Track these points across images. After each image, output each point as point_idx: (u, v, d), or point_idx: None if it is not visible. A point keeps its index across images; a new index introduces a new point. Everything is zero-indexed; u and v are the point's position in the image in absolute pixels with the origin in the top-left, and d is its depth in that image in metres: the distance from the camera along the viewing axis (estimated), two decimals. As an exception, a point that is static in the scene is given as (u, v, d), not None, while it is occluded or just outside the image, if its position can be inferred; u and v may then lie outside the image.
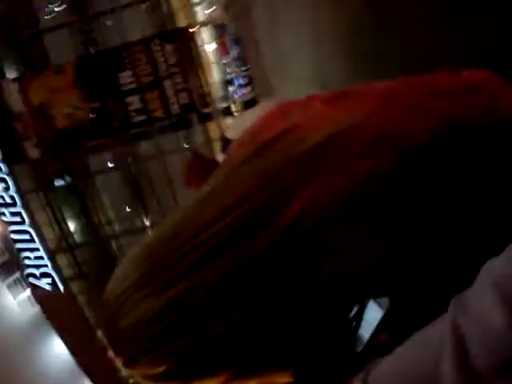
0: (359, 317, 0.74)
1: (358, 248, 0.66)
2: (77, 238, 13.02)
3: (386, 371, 0.57)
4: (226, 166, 0.79)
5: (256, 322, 0.66)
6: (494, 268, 0.53)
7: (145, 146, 12.22)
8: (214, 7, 11.61)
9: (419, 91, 0.79)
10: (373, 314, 0.79)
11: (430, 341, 0.53)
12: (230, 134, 3.36)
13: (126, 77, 10.07)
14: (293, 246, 0.66)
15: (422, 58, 1.88)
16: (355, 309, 0.74)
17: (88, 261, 13.01)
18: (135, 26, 11.24)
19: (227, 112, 11.17)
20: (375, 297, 0.76)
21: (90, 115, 10.26)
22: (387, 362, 0.58)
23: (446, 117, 0.72)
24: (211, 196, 0.74)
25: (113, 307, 0.69)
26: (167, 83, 10.05)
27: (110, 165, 12.87)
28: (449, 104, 0.75)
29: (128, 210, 13.24)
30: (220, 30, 12.02)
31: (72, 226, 12.91)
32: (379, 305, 0.79)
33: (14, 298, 15.08)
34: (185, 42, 10.02)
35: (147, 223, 12.73)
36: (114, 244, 13.01)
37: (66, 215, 12.66)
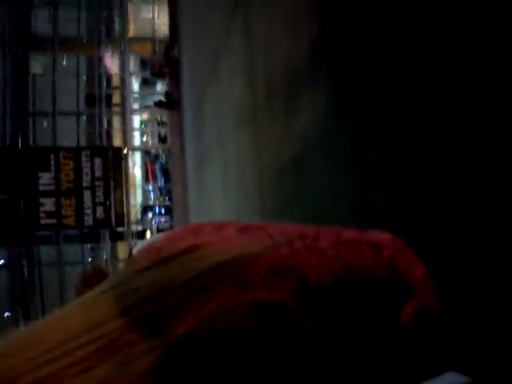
0: None
1: (240, 380, 0.66)
2: None
3: None
4: (119, 275, 0.78)
5: None
6: None
7: (45, 251, 11.66)
8: (149, 137, 12.07)
9: (327, 237, 0.83)
10: None
11: None
12: (136, 251, 3.33)
13: (46, 178, 9.99)
14: (177, 364, 0.64)
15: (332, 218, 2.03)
16: None
17: None
18: (70, 133, 11.39)
19: (141, 235, 11.11)
20: None
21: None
22: None
23: (348, 262, 0.77)
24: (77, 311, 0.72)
25: None
26: (87, 194, 9.99)
27: (2, 261, 12.05)
28: (352, 252, 0.80)
29: (7, 314, 12.15)
30: (151, 158, 12.37)
31: None
32: None
33: None
34: (115, 161, 10.19)
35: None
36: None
37: None
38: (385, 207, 1.72)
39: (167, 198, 11.40)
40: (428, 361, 0.81)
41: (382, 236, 0.89)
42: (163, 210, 11.73)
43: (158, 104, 9.71)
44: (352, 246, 0.82)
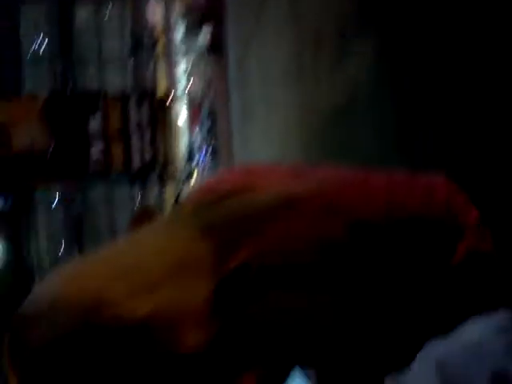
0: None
1: (294, 312, 0.68)
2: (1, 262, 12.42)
3: None
4: (174, 212, 0.80)
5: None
6: (436, 349, 0.56)
7: (96, 193, 12.00)
8: (194, 82, 11.98)
9: (379, 179, 0.83)
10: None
11: None
12: (187, 192, 3.32)
13: (95, 123, 10.19)
14: (235, 292, 0.66)
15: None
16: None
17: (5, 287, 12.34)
18: (116, 80, 11.53)
19: (187, 178, 11.35)
20: (304, 363, 0.77)
21: (49, 150, 10.20)
22: None
23: (401, 203, 0.77)
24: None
25: (21, 326, 0.67)
26: (134, 137, 10.18)
27: (57, 201, 12.49)
28: (405, 193, 0.80)
29: (62, 251, 12.74)
30: (196, 103, 12.23)
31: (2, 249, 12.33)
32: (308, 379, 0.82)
33: None
34: (161, 105, 10.33)
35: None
36: (37, 279, 12.44)
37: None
38: (434, 157, 1.70)
39: (213, 142, 11.19)
40: (480, 298, 0.79)
41: (435, 179, 0.87)
42: (209, 153, 11.55)
43: (203, 50, 9.65)
44: (404, 188, 0.82)
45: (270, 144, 5.14)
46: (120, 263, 0.69)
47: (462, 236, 0.79)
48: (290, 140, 4.32)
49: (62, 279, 0.69)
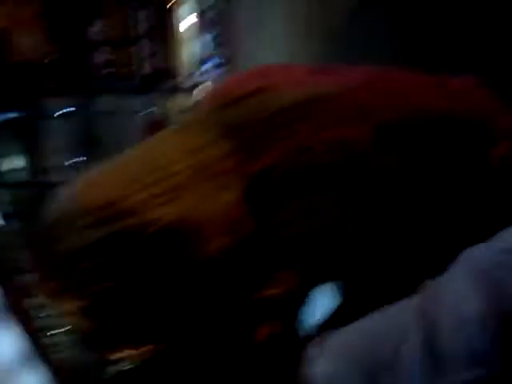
0: (304, 294, 0.73)
1: (320, 216, 0.69)
2: (16, 175, 12.61)
3: (341, 341, 0.58)
4: (190, 116, 0.73)
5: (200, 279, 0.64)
6: (473, 256, 0.55)
7: (103, 102, 11.97)
8: None
9: (401, 79, 0.81)
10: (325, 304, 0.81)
11: (393, 320, 0.54)
12: (197, 99, 3.38)
13: (100, 26, 9.93)
14: (263, 195, 0.65)
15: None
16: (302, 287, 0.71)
17: (22, 201, 12.63)
18: None
19: (196, 87, 11.12)
20: (329, 276, 0.76)
21: (55, 56, 10.01)
22: (344, 332, 0.59)
23: (426, 104, 0.76)
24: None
25: (51, 229, 0.67)
26: (141, 44, 9.92)
27: (62, 111, 12.53)
28: (429, 93, 0.79)
29: (74, 160, 12.94)
30: (205, 7, 11.96)
31: (14, 163, 12.48)
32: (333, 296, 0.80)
33: None
34: (169, 10, 9.93)
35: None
36: (51, 192, 12.65)
37: (11, 150, 12.23)
38: (463, 60, 1.70)
39: (222, 49, 11.22)
40: None
41: (464, 82, 0.88)
42: (218, 61, 11.61)
43: None
44: (432, 89, 0.83)
45: (284, 46, 5.00)
46: (141, 169, 0.69)
47: (495, 142, 0.79)
48: (303, 43, 4.23)
49: (84, 189, 0.69)
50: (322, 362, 0.57)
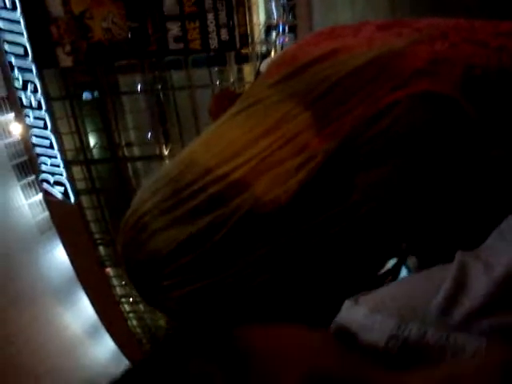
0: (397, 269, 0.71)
1: (393, 184, 0.63)
2: (95, 153, 13.15)
3: (378, 293, 0.57)
4: (257, 86, 0.73)
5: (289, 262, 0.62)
6: None
7: (176, 76, 12.12)
8: None
9: (485, 28, 0.73)
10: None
11: (435, 275, 0.53)
12: (264, 68, 3.30)
13: (170, 2, 9.96)
14: (346, 160, 0.62)
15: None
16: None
17: (102, 177, 13.20)
18: None
19: (266, 56, 10.99)
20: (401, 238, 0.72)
21: (128, 34, 10.18)
22: (384, 287, 0.58)
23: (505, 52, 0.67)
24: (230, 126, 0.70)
25: (135, 226, 0.65)
26: (210, 16, 9.88)
27: (139, 87, 12.82)
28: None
29: (150, 135, 13.27)
30: None
31: (92, 140, 13.01)
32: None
33: (26, 200, 15.44)
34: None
35: (165, 152, 12.78)
36: (129, 166, 13.14)
37: (89, 129, 12.74)
38: None
39: (291, 16, 10.93)
40: None
41: None
42: (287, 29, 11.35)
43: None
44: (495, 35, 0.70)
45: (355, 14, 4.73)
46: (227, 146, 0.65)
47: None
48: (374, 7, 3.93)
49: (174, 169, 0.66)
50: (357, 309, 0.56)
